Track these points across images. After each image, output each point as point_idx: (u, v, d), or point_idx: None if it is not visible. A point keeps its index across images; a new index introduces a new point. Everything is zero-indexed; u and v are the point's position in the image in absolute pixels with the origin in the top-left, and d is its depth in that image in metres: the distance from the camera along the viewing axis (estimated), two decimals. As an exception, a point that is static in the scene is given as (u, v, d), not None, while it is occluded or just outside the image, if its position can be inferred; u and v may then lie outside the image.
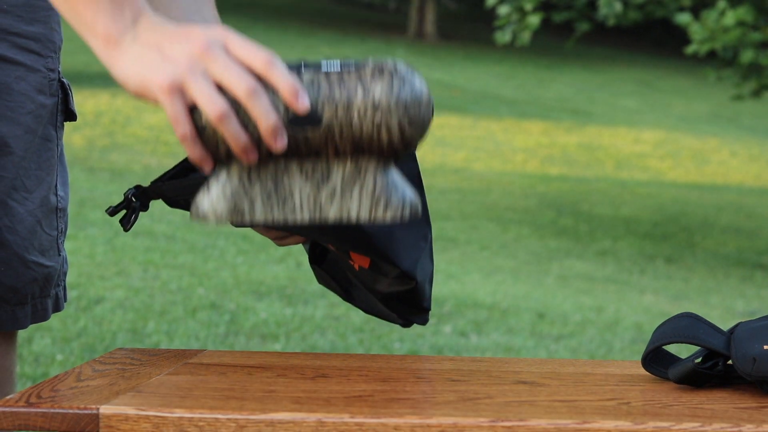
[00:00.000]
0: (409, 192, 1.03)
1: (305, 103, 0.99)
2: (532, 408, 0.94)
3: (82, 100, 10.62)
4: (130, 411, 0.92)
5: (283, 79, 0.99)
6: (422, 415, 0.91)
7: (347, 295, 1.23)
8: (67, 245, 4.53)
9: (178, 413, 0.91)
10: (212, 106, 0.98)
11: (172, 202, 1.13)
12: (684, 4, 9.07)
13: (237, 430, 0.91)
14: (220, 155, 1.02)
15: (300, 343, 4.06)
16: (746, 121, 15.83)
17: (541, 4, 9.74)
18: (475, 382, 1.03)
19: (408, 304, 1.20)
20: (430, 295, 1.20)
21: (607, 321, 5.06)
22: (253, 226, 1.16)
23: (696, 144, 13.57)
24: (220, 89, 0.99)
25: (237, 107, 0.99)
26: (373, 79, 1.00)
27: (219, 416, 0.91)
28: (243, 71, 0.99)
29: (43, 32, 1.23)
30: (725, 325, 1.33)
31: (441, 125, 12.33)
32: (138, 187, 1.10)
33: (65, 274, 1.28)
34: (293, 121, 1.00)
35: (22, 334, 3.56)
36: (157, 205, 1.16)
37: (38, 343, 3.68)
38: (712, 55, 9.33)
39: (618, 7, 9.45)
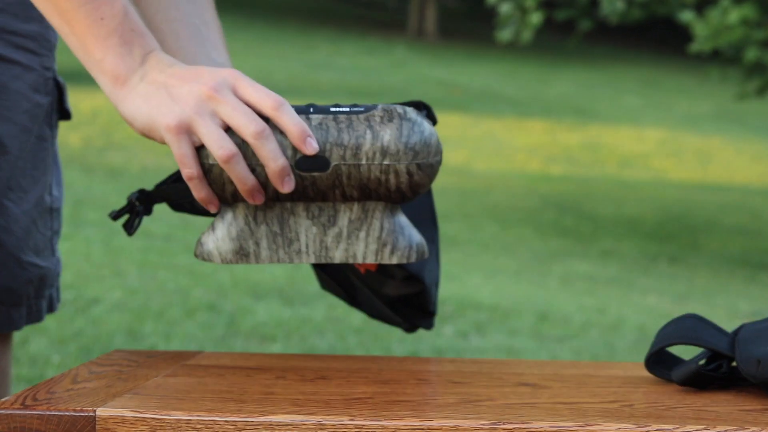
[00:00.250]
0: (416, 235, 1.04)
1: (313, 146, 0.99)
2: (534, 410, 0.93)
3: (78, 100, 10.63)
4: (127, 413, 0.91)
5: (291, 122, 0.99)
6: (423, 418, 0.90)
7: (352, 300, 1.23)
8: (63, 246, 4.52)
9: (176, 415, 0.91)
10: (220, 148, 0.98)
11: (176, 206, 1.13)
12: (687, 2, 9.07)
13: (235, 433, 0.90)
14: (227, 196, 1.02)
15: (299, 345, 4.06)
16: (750, 120, 15.84)
17: (542, 3, 9.74)
18: (477, 384, 1.02)
19: (414, 307, 1.20)
20: (437, 299, 1.20)
21: (609, 322, 5.06)
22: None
23: (700, 143, 13.58)
24: (228, 131, 0.99)
25: (244, 149, 0.99)
26: (382, 124, 1.00)
27: (217, 418, 0.91)
28: (251, 113, 0.99)
29: (38, 30, 1.23)
30: (729, 326, 1.32)
31: (442, 124, 12.33)
32: (141, 191, 1.10)
33: (59, 275, 1.28)
34: (301, 164, 1.00)
35: (17, 335, 3.56)
36: (155, 206, 1.15)
37: (34, 345, 3.67)
38: (715, 53, 9.33)
39: (620, 5, 9.45)
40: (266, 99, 0.99)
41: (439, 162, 1.02)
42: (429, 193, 1.19)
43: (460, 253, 6.76)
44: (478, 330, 4.60)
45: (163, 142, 1.01)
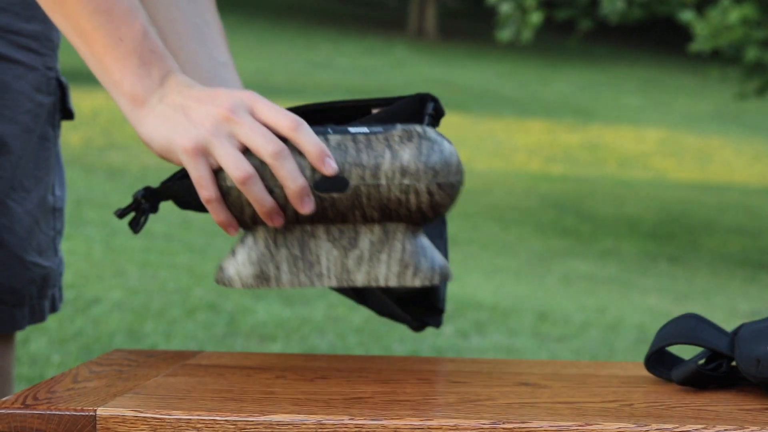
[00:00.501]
0: (438, 257, 1.02)
1: (332, 166, 0.98)
2: (533, 410, 0.93)
3: (79, 99, 10.62)
4: (128, 413, 0.91)
5: (310, 142, 0.98)
6: (423, 417, 0.90)
7: (359, 297, 1.23)
8: (64, 245, 4.52)
9: (176, 415, 0.91)
10: (237, 169, 0.97)
11: (183, 203, 1.12)
12: (687, 2, 9.07)
13: (235, 433, 0.90)
14: (246, 219, 1.01)
15: (299, 344, 4.06)
16: (750, 120, 15.83)
17: (542, 2, 9.74)
18: (477, 384, 1.02)
19: (423, 305, 1.20)
20: (445, 295, 1.20)
21: (609, 322, 5.06)
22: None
23: (700, 143, 13.57)
24: (245, 152, 0.98)
25: (262, 170, 0.98)
26: (402, 143, 0.99)
27: (217, 418, 0.91)
28: (269, 133, 0.98)
29: (41, 30, 1.23)
30: (729, 326, 1.32)
31: (442, 124, 12.30)
32: (147, 188, 1.09)
33: (61, 275, 1.28)
34: (320, 185, 0.99)
35: (18, 335, 3.56)
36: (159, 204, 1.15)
37: (35, 345, 3.67)
38: (715, 53, 9.33)
39: (620, 4, 9.45)
40: (284, 119, 0.98)
41: (460, 182, 1.01)
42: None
43: (460, 253, 6.76)
44: (478, 330, 4.60)
45: (180, 165, 1.00)
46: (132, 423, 0.91)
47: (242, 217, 1.01)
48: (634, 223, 8.88)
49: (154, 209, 1.10)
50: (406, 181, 0.98)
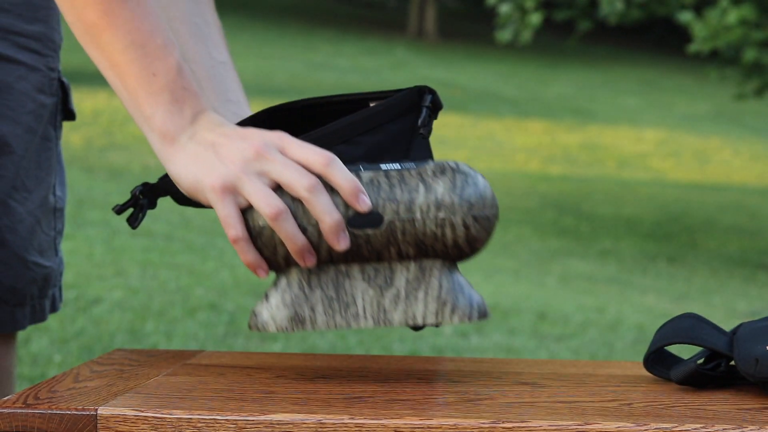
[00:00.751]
0: (476, 294, 1.01)
1: (367, 202, 0.96)
2: (533, 409, 0.93)
3: (80, 99, 10.62)
4: (129, 412, 0.91)
5: (343, 178, 0.96)
6: (423, 416, 0.90)
7: None
8: (65, 245, 4.53)
9: (177, 414, 0.91)
10: (267, 205, 0.95)
11: (181, 199, 1.11)
12: (686, 3, 9.07)
13: (236, 432, 0.90)
14: (279, 260, 0.99)
15: (299, 344, 4.06)
16: (749, 121, 15.84)
17: (541, 3, 9.74)
18: (476, 383, 1.02)
19: None
20: None
21: (608, 321, 5.06)
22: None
23: (698, 143, 13.57)
24: (277, 190, 0.96)
25: (294, 208, 0.97)
26: (435, 177, 0.97)
27: (218, 417, 0.91)
28: (301, 169, 0.96)
29: (43, 31, 1.23)
30: (728, 326, 1.32)
31: (442, 124, 12.33)
32: (145, 184, 1.08)
33: (61, 274, 1.28)
34: (354, 222, 0.97)
35: (20, 334, 3.56)
36: (158, 205, 1.15)
37: (36, 344, 3.68)
38: (714, 53, 9.33)
39: (619, 5, 9.45)
40: (316, 155, 0.96)
41: (496, 216, 0.99)
42: None
43: (459, 253, 6.76)
44: (478, 329, 4.60)
45: (209, 205, 0.98)
46: (133, 422, 0.91)
47: (275, 258, 0.98)
48: (633, 223, 8.89)
49: (153, 205, 1.09)
50: (441, 215, 0.97)
